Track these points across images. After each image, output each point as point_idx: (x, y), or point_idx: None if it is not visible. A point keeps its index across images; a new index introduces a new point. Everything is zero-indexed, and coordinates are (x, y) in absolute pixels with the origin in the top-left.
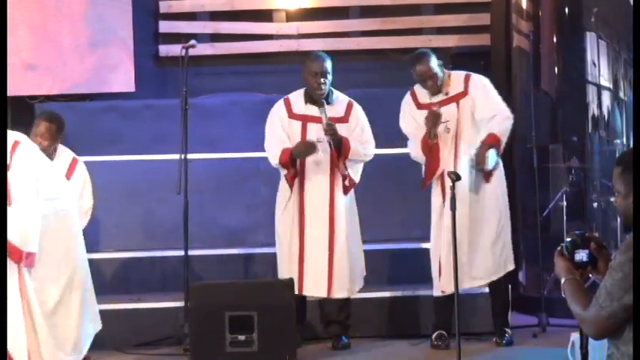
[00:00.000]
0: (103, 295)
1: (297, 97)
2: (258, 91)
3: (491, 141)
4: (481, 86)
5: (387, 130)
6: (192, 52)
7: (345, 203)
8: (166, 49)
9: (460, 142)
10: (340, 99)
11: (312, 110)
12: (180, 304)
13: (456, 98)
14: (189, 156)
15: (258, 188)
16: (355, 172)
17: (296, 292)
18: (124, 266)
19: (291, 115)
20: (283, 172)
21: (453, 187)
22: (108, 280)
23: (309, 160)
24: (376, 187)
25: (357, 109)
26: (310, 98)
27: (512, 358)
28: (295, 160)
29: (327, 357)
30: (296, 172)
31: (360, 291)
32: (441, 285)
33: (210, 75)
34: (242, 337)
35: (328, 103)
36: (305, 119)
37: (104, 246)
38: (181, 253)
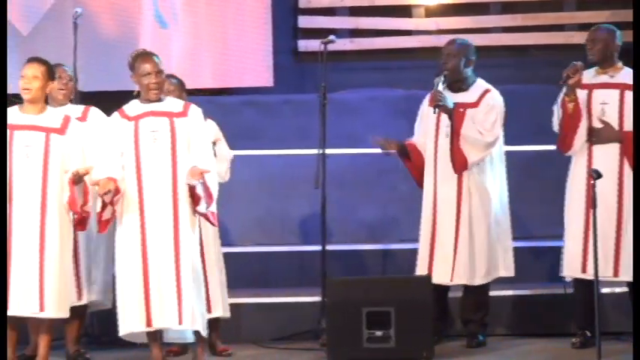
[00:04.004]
0: (240, 288)
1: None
2: (396, 86)
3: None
4: None
5: (527, 127)
6: (331, 47)
7: (482, 189)
8: (305, 45)
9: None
10: (479, 85)
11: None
12: (317, 298)
13: (622, 87)
14: (328, 151)
15: (396, 184)
16: (468, 151)
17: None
18: (262, 260)
19: (430, 103)
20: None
21: (594, 186)
22: (246, 274)
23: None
24: (517, 183)
25: (492, 95)
26: (448, 85)
27: None
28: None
29: (463, 354)
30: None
31: (499, 288)
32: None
33: (349, 70)
34: (379, 333)
35: (463, 90)
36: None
37: (243, 240)
38: (319, 247)
